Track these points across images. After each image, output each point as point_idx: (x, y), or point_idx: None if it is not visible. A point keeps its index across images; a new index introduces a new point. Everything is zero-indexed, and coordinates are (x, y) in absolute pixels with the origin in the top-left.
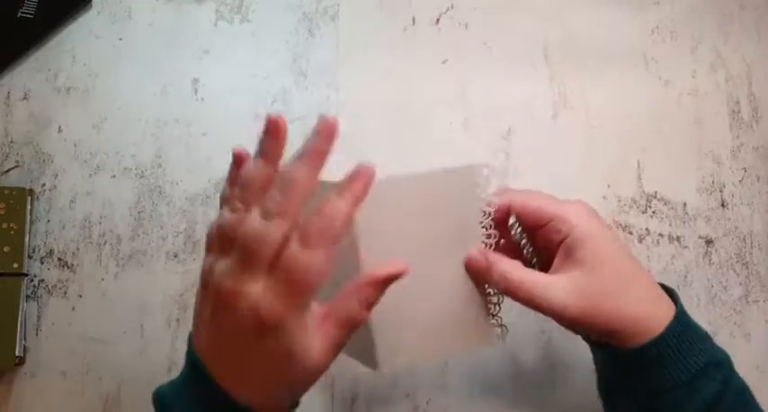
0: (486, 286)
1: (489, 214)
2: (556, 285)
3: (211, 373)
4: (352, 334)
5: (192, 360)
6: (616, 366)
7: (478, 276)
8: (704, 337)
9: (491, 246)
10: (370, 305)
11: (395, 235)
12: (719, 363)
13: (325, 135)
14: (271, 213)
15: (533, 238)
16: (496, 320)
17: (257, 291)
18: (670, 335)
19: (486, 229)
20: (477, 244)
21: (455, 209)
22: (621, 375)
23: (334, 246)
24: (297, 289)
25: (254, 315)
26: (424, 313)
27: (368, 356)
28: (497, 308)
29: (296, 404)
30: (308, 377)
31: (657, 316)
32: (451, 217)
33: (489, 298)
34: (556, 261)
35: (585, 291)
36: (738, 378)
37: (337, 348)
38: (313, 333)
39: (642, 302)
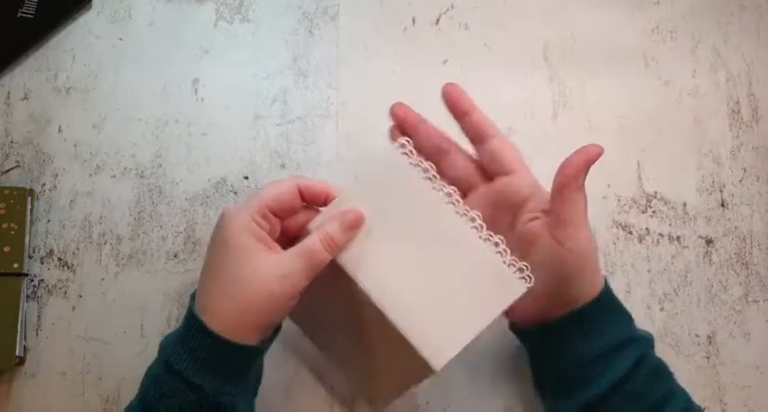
0: (487, 236)
1: (431, 177)
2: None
3: (195, 310)
4: (308, 269)
5: (189, 302)
6: (546, 342)
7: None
8: (628, 318)
9: (457, 200)
10: (330, 242)
11: (380, 238)
12: (638, 340)
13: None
14: None
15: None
16: (514, 264)
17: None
18: (593, 308)
19: (443, 189)
20: (445, 208)
21: (404, 191)
22: (548, 350)
23: (293, 184)
24: (254, 195)
25: (220, 222)
26: (443, 298)
27: (420, 367)
28: (506, 253)
29: (269, 340)
30: (264, 303)
31: (588, 291)
32: (409, 199)
33: (495, 249)
34: (537, 223)
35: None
36: (656, 359)
37: (287, 279)
38: (263, 257)
39: (573, 287)
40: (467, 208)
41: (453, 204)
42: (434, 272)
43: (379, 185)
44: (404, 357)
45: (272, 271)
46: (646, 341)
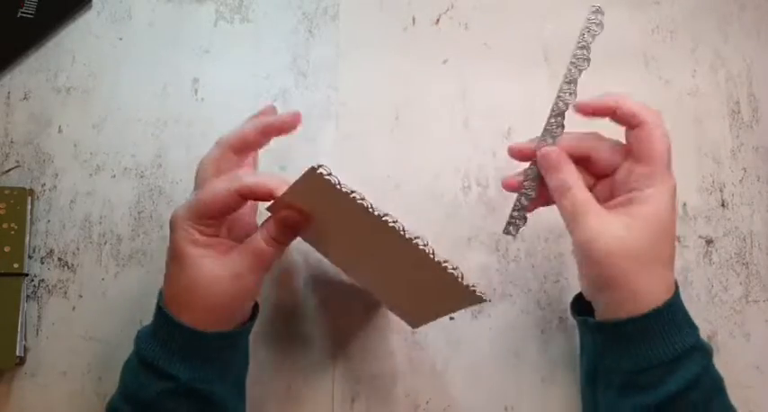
0: (441, 262)
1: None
2: (604, 216)
3: (162, 304)
4: (257, 267)
5: (158, 298)
6: (602, 340)
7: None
8: (693, 326)
9: (395, 221)
10: (271, 240)
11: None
12: (703, 349)
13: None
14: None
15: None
16: (470, 286)
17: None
18: (662, 313)
19: (381, 212)
20: (385, 226)
21: (335, 208)
22: (606, 349)
23: (224, 146)
24: (198, 182)
25: (170, 225)
26: (406, 292)
27: (462, 299)
28: (460, 275)
29: (243, 327)
30: (223, 302)
31: (655, 294)
32: (345, 215)
33: (450, 272)
34: (614, 201)
35: (621, 239)
36: (717, 372)
37: (237, 276)
38: (207, 262)
39: (651, 278)
40: (410, 231)
41: (397, 226)
42: (394, 278)
43: (314, 203)
44: (441, 290)
45: (222, 274)
46: (709, 352)
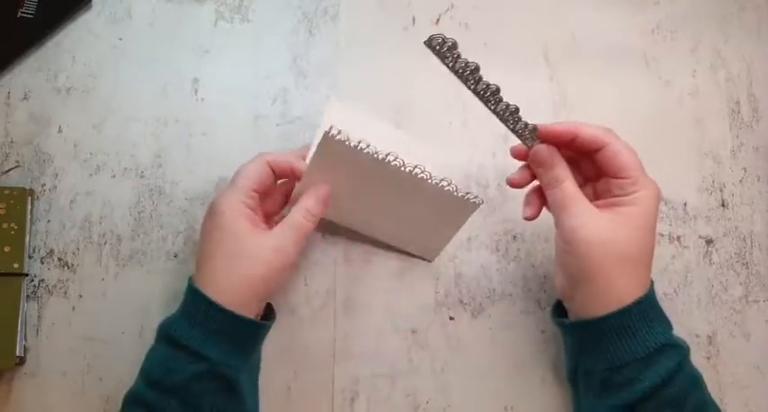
0: (436, 179)
1: (370, 147)
2: (592, 209)
3: (198, 286)
4: (298, 240)
5: (187, 285)
6: (578, 340)
7: (539, 166)
8: (665, 324)
9: (397, 157)
10: (308, 214)
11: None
12: (678, 347)
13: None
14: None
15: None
16: (464, 196)
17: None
18: (632, 311)
19: (384, 153)
20: (392, 166)
21: (355, 163)
22: (584, 348)
23: (262, 161)
24: (234, 181)
25: (210, 203)
26: (416, 225)
27: (459, 211)
28: (455, 187)
29: (271, 315)
30: (263, 274)
31: (628, 291)
32: (362, 168)
33: (446, 189)
34: (600, 201)
35: (605, 232)
36: (693, 369)
37: (281, 250)
38: (254, 233)
39: (627, 275)
40: (409, 163)
41: (398, 163)
42: (400, 213)
43: (333, 163)
44: (444, 209)
45: (267, 246)
46: (684, 349)
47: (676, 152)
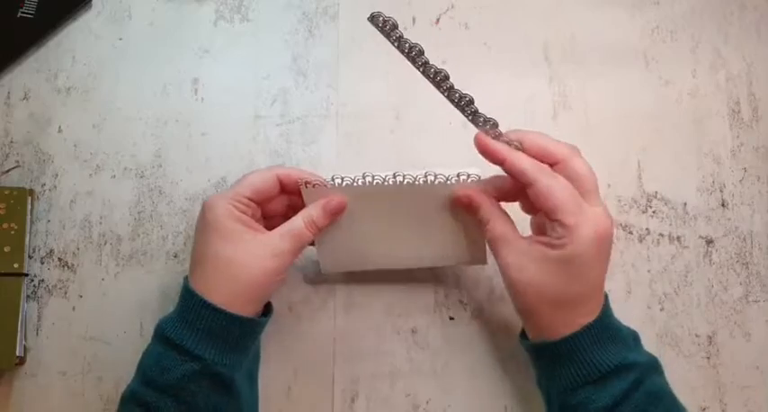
0: (432, 179)
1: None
2: (520, 250)
3: (191, 285)
4: (296, 248)
5: (183, 284)
6: (536, 361)
7: (467, 209)
8: (623, 342)
9: (397, 174)
10: (312, 224)
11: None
12: (631, 366)
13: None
14: None
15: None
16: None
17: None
18: (580, 338)
19: (390, 178)
20: (403, 187)
21: (365, 197)
22: (543, 370)
23: (272, 173)
24: (235, 184)
25: (204, 202)
26: (442, 236)
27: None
28: (449, 178)
29: (269, 311)
30: (258, 278)
31: (568, 326)
32: (362, 203)
33: (446, 182)
34: (539, 237)
35: (532, 279)
36: (656, 383)
37: (278, 255)
38: (252, 237)
39: (559, 315)
40: (407, 178)
41: (401, 181)
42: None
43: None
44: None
45: (264, 250)
46: (644, 368)
47: (676, 152)
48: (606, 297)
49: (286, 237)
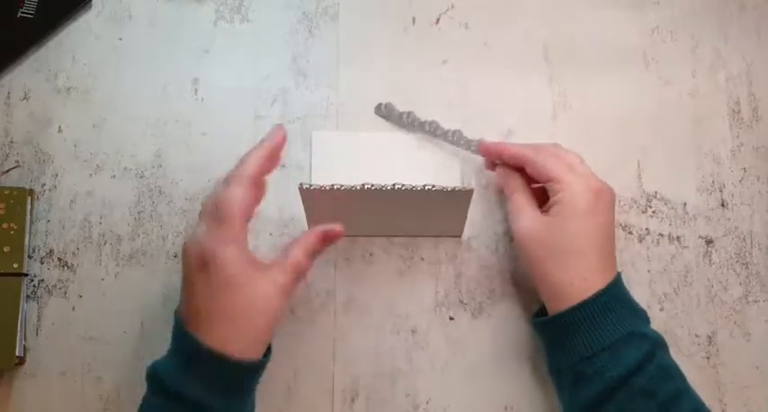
0: (420, 187)
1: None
2: (533, 216)
3: (185, 327)
4: (297, 280)
5: (174, 322)
6: (548, 338)
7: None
8: (635, 314)
9: (374, 183)
10: (312, 253)
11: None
12: (644, 336)
13: (272, 136)
14: (225, 180)
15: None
16: (455, 189)
17: (200, 231)
18: (592, 304)
19: (367, 185)
20: (384, 191)
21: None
22: (554, 347)
23: (248, 182)
24: (222, 217)
25: (197, 251)
26: (424, 222)
27: (459, 202)
28: (440, 188)
29: (267, 352)
30: (270, 319)
31: (582, 288)
32: (347, 202)
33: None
34: (545, 206)
35: (540, 233)
36: (666, 359)
37: (283, 291)
38: (259, 279)
39: (567, 269)
40: (387, 183)
41: (377, 187)
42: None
43: (322, 203)
44: (442, 205)
45: (271, 289)
46: (655, 341)
47: (676, 152)
48: (619, 274)
49: (288, 271)
